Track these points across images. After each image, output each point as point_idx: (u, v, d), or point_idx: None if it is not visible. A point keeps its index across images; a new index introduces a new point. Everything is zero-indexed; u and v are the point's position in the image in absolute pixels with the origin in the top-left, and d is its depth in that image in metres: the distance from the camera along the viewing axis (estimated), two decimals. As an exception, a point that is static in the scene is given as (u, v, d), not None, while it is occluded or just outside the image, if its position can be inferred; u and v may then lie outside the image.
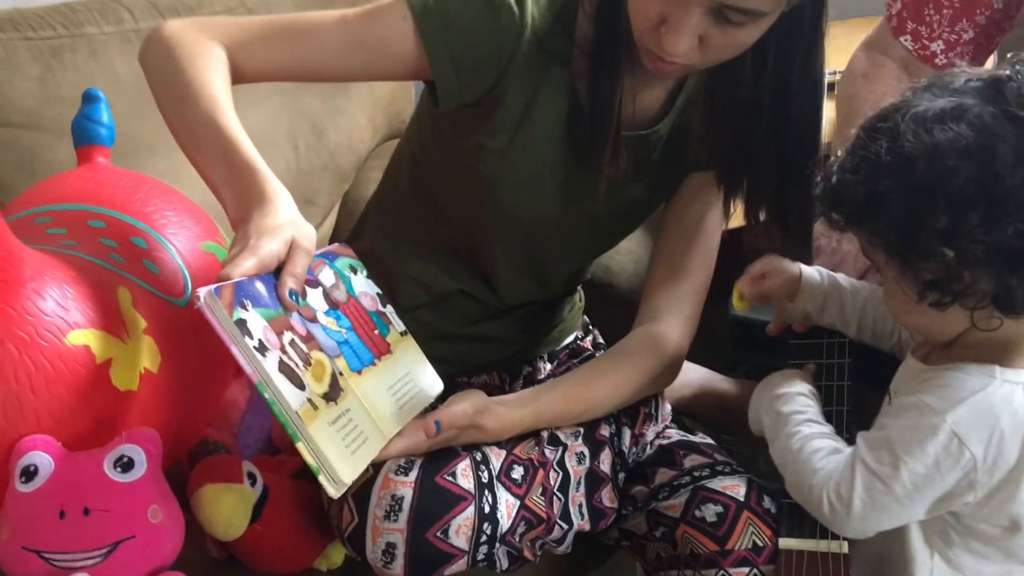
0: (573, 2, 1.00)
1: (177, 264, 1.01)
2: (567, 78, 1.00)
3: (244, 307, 0.80)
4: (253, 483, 0.95)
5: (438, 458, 0.95)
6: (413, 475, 0.93)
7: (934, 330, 0.87)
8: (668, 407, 1.19)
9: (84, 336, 0.85)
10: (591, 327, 1.32)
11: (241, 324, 0.79)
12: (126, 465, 0.82)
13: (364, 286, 0.96)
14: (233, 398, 1.08)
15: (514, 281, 1.15)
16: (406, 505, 0.91)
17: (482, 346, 1.18)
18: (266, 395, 0.79)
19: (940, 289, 0.80)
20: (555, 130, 1.02)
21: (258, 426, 1.08)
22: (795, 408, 0.97)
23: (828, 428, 0.97)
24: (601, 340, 1.31)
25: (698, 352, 1.38)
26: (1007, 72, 0.79)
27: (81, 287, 0.87)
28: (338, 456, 0.82)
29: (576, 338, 1.28)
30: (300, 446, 0.80)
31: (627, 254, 1.47)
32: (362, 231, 1.21)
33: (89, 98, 1.17)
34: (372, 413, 0.88)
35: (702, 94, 1.05)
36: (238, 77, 0.96)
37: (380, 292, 0.98)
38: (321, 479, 0.80)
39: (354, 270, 0.96)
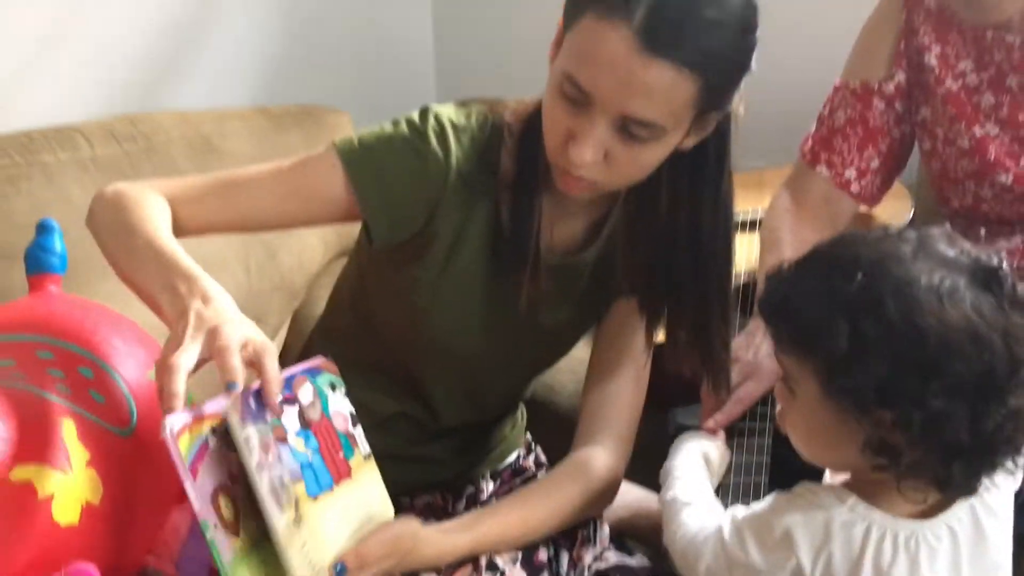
0: (496, 140, 1.06)
1: (123, 394, 1.03)
2: (492, 211, 1.07)
3: (247, 424, 0.83)
4: (192, 613, 0.95)
5: None
6: None
7: (820, 461, 0.91)
8: (606, 529, 1.21)
9: (27, 472, 0.86)
10: (533, 445, 1.35)
11: (247, 441, 0.83)
12: (64, 602, 0.83)
13: (339, 405, 0.98)
14: (175, 526, 1.09)
15: (451, 403, 1.18)
16: None
17: (424, 467, 1.21)
18: (208, 535, 0.82)
19: (885, 448, 0.81)
20: (482, 260, 1.08)
21: (199, 555, 1.08)
22: (684, 465, 1.04)
23: (706, 491, 1.01)
24: (544, 459, 1.34)
25: (634, 469, 1.42)
26: (995, 262, 0.80)
27: (26, 422, 0.89)
28: None
29: (519, 456, 1.31)
30: None
31: (568, 373, 1.51)
32: (308, 356, 1.23)
33: (43, 228, 1.20)
34: (325, 541, 0.90)
35: (623, 226, 1.11)
36: (180, 230, 1.00)
37: (353, 412, 1.00)
38: None
39: (333, 387, 0.99)
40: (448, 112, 1.06)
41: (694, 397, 1.28)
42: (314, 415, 0.93)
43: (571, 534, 1.14)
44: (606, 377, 1.15)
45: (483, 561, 1.04)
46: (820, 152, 1.34)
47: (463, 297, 1.10)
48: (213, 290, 0.89)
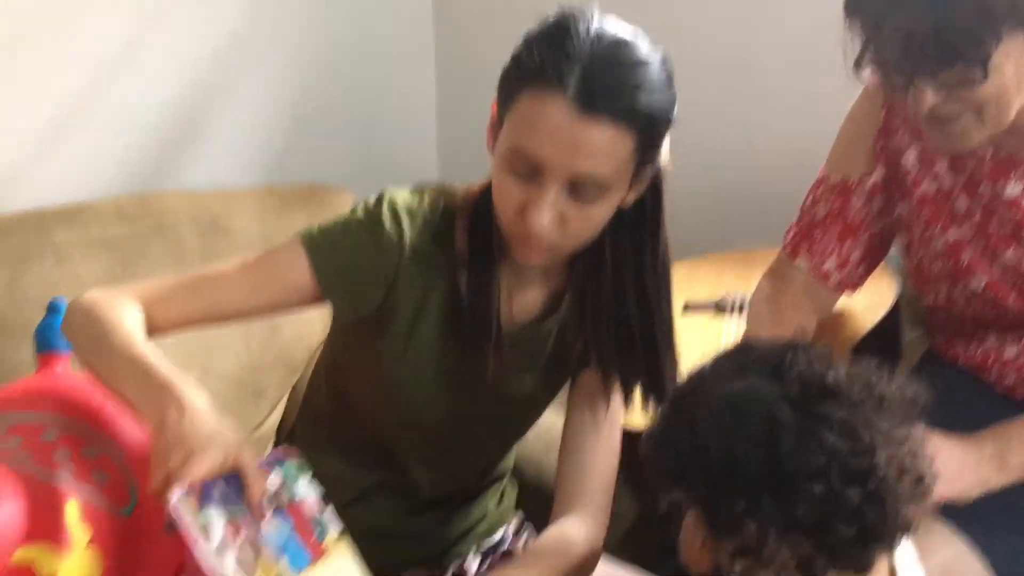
0: (448, 221, 1.13)
1: (125, 474, 1.07)
2: (450, 287, 1.13)
3: (207, 508, 0.88)
4: None
5: None
6: None
7: None
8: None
9: (29, 553, 0.89)
10: (526, 525, 1.37)
11: (206, 527, 0.87)
12: None
13: (306, 490, 1.02)
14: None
15: (427, 474, 1.23)
16: None
17: (408, 543, 1.23)
18: None
19: (746, 558, 0.85)
20: (444, 334, 1.14)
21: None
22: None
23: None
24: (536, 540, 1.35)
25: (625, 548, 1.44)
26: (790, 356, 0.87)
27: (30, 503, 0.92)
28: None
29: (507, 534, 1.33)
30: None
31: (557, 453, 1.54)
32: (291, 440, 1.28)
33: (53, 309, 1.24)
34: None
35: (577, 291, 1.16)
36: (155, 330, 1.07)
37: (322, 494, 1.04)
38: None
39: (299, 473, 1.03)
40: (402, 196, 1.13)
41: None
42: (283, 500, 0.98)
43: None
44: (579, 448, 1.19)
45: None
46: (800, 244, 1.36)
47: (428, 370, 1.15)
48: (187, 398, 0.95)
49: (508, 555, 1.31)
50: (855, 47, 1.09)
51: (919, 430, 0.87)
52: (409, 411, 1.17)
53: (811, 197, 1.37)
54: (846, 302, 1.52)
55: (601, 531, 1.17)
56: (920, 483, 0.86)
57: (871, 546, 0.86)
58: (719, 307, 1.65)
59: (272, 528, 0.95)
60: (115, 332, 1.02)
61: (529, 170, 1.00)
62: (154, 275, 1.48)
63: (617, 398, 1.19)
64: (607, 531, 1.42)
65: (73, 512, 0.97)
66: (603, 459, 1.19)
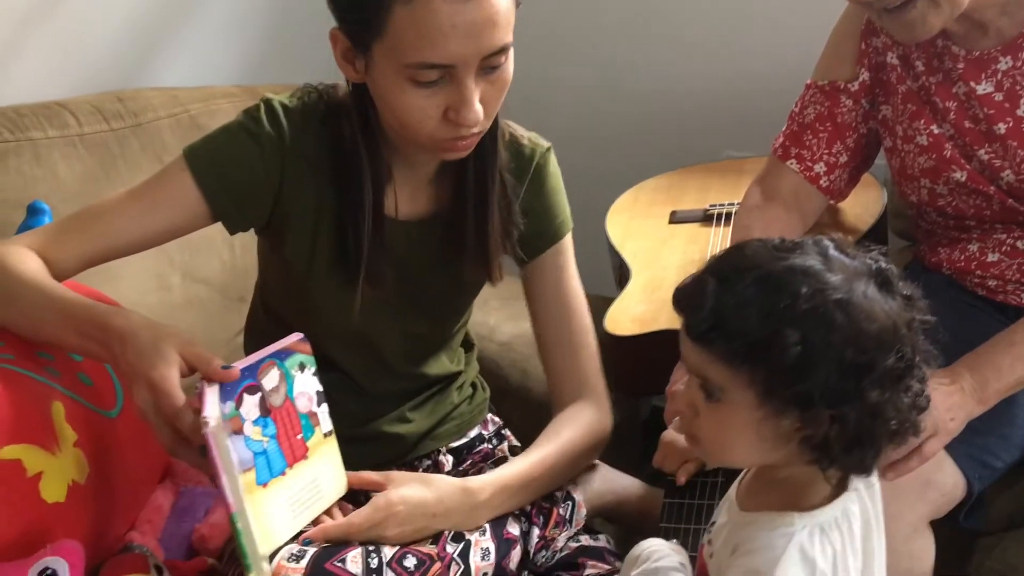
0: (331, 122, 1.10)
1: (111, 377, 1.07)
2: (339, 193, 1.11)
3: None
4: (160, 573, 1.01)
5: (331, 547, 1.01)
6: (304, 562, 0.99)
7: (737, 462, 0.92)
8: (583, 512, 1.24)
9: (17, 451, 0.89)
10: (504, 430, 1.37)
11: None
12: (50, 577, 0.87)
13: (305, 385, 1.02)
14: (157, 503, 1.13)
15: (368, 374, 1.22)
16: None
17: (372, 445, 1.22)
18: (238, 525, 0.88)
19: (822, 443, 0.84)
20: (341, 237, 1.13)
21: (180, 531, 1.12)
22: None
23: None
24: (517, 443, 1.36)
25: (608, 454, 1.46)
26: (884, 264, 0.86)
27: (17, 403, 0.92)
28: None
29: (481, 437, 1.32)
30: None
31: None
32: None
33: (34, 210, 1.23)
34: (269, 526, 0.94)
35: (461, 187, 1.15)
36: (59, 274, 1.04)
37: (320, 390, 1.04)
38: None
39: (302, 367, 1.02)
40: (280, 98, 1.12)
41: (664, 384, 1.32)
42: (276, 401, 0.98)
43: (548, 512, 1.18)
44: (560, 336, 1.22)
45: (448, 533, 1.09)
46: (790, 147, 1.38)
47: (335, 269, 1.13)
48: (118, 326, 0.94)
49: (488, 457, 1.31)
50: None
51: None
52: (328, 314, 1.17)
53: (800, 103, 1.39)
54: (835, 213, 1.53)
55: (607, 412, 1.22)
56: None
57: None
58: (706, 216, 1.65)
59: (252, 436, 0.94)
60: (23, 283, 1.00)
61: (440, 76, 0.99)
62: (134, 174, 1.48)
63: (568, 278, 1.22)
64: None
65: (59, 413, 0.97)
66: (584, 333, 1.22)
